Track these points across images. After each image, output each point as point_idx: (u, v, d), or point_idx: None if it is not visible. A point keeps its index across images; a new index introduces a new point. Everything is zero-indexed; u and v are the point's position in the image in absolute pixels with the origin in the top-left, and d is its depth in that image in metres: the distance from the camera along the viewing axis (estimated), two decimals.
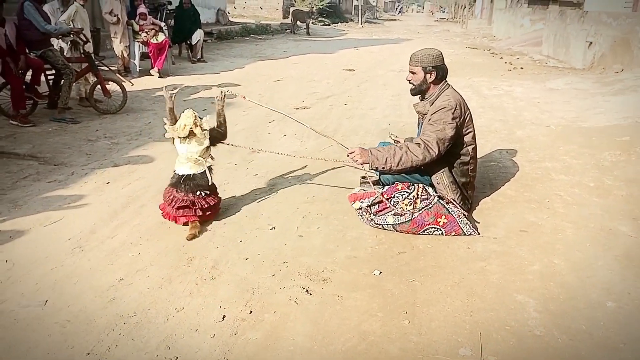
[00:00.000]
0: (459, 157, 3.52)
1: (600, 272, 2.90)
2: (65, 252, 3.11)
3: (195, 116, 3.43)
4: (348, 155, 3.42)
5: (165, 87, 3.69)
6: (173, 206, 3.41)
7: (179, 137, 3.43)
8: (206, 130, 3.50)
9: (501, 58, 13.99)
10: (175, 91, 3.59)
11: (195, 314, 2.53)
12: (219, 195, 3.65)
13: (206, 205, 3.45)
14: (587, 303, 2.63)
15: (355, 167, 3.50)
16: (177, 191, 3.42)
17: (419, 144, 3.33)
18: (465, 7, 42.10)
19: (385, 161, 3.31)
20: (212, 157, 3.62)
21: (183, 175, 3.44)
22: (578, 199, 3.89)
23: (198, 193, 3.43)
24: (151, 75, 9.30)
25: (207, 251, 3.15)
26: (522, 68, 11.82)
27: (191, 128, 3.39)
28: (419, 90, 3.59)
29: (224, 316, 2.51)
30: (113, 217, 3.60)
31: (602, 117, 6.24)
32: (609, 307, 2.58)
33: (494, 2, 34.84)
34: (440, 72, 3.48)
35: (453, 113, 3.36)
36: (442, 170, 3.48)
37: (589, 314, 2.53)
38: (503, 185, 4.20)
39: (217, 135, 3.64)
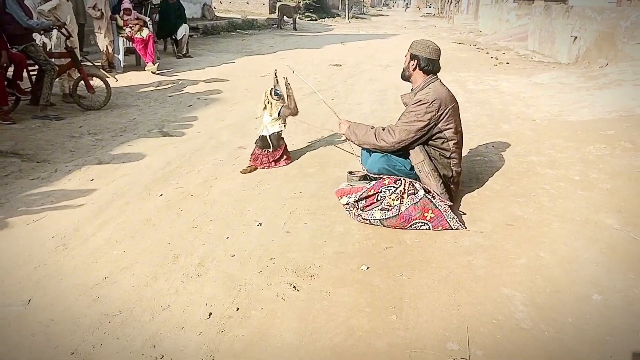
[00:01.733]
0: (440, 150, 3.54)
1: (586, 265, 2.92)
2: (49, 250, 3.07)
3: (270, 94, 4.52)
4: (338, 124, 3.92)
5: (275, 70, 4.80)
6: (252, 154, 4.59)
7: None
8: (278, 105, 4.51)
9: (487, 53, 14.04)
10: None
11: (181, 312, 2.50)
12: (284, 150, 4.67)
13: (265, 161, 4.54)
14: (574, 296, 2.64)
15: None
16: (256, 146, 4.57)
17: (386, 128, 3.54)
18: (451, 3, 42.22)
19: (356, 136, 3.66)
20: (284, 124, 4.61)
21: (259, 136, 4.57)
22: (563, 193, 3.91)
23: (264, 150, 4.51)
24: (146, 71, 9.12)
25: (193, 248, 3.12)
26: (507, 63, 11.87)
27: (265, 101, 4.52)
28: (404, 75, 3.70)
29: (210, 314, 2.49)
30: (97, 215, 3.55)
31: (587, 111, 6.29)
32: (595, 300, 2.59)
33: None
34: (421, 62, 3.51)
35: (427, 107, 3.39)
36: (423, 159, 3.50)
37: (575, 307, 2.55)
38: (489, 179, 4.21)
39: (286, 110, 4.54)
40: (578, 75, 8.87)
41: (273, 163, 4.57)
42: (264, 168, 4.53)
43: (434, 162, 3.53)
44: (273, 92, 4.53)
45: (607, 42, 10.19)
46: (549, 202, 3.77)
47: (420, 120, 3.41)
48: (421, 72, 3.55)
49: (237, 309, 2.53)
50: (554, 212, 3.60)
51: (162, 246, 3.14)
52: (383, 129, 3.54)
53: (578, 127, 5.59)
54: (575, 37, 11.66)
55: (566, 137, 5.23)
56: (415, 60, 3.53)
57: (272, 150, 4.54)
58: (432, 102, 3.39)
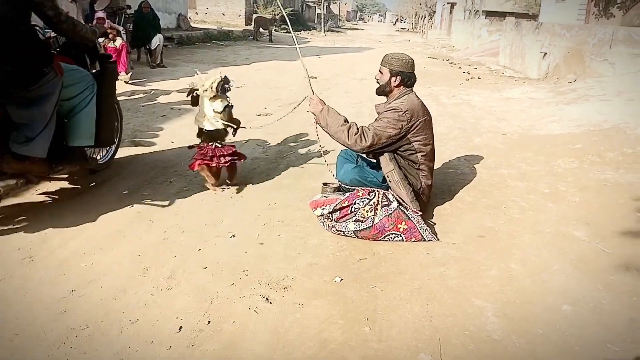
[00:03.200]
0: (408, 161, 3.57)
1: (556, 276, 2.97)
2: (14, 263, 2.97)
3: (217, 85, 4.00)
4: (309, 98, 3.69)
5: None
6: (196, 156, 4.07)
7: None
8: (223, 102, 4.09)
9: (460, 68, 14.30)
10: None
11: (150, 326, 2.45)
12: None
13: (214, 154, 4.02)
14: (544, 307, 2.67)
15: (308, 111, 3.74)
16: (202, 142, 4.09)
17: (359, 129, 3.45)
18: (425, 18, 42.94)
19: (327, 125, 3.54)
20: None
21: (205, 130, 4.05)
22: (533, 205, 3.98)
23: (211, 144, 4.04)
24: (119, 80, 9.04)
25: (164, 260, 3.06)
26: (479, 78, 12.10)
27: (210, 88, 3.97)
28: (383, 91, 3.66)
29: (181, 327, 2.44)
30: (66, 226, 3.46)
31: (556, 125, 6.43)
32: (565, 311, 2.63)
33: (453, 13, 35.79)
34: (405, 78, 3.54)
35: (400, 116, 3.42)
36: (392, 168, 3.52)
37: (546, 317, 2.58)
38: (461, 191, 4.26)
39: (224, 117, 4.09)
40: (547, 91, 9.08)
41: (227, 158, 4.06)
42: (215, 166, 4.04)
43: (404, 171, 3.55)
44: (220, 85, 4.03)
45: (576, 58, 10.48)
46: (519, 214, 3.83)
47: (392, 128, 3.42)
48: (404, 86, 3.58)
49: (209, 322, 2.49)
50: (525, 224, 3.66)
51: (132, 258, 3.08)
52: (357, 129, 3.46)
53: (547, 141, 5.71)
54: (545, 53, 11.97)
55: (536, 151, 5.33)
56: (400, 77, 3.53)
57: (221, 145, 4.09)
58: (405, 112, 3.42)
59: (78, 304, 2.60)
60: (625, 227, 3.53)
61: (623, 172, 4.54)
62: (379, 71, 3.63)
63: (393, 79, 3.55)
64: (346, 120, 3.53)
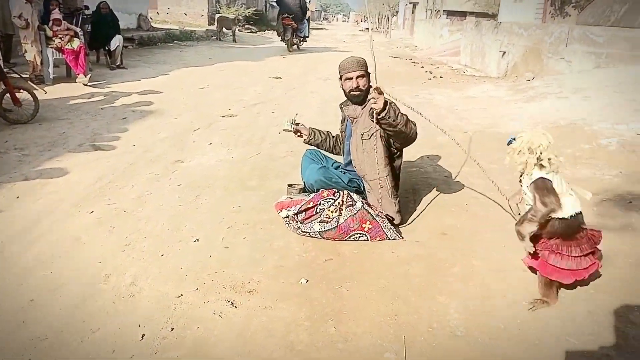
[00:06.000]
0: (397, 166, 3.63)
1: (516, 272, 3.03)
2: None
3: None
4: (375, 90, 3.25)
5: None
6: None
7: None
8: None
9: (422, 67, 14.46)
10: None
11: (112, 335, 2.39)
12: None
13: None
14: (505, 302, 2.73)
15: (373, 109, 3.26)
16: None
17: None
18: (388, 18, 43.31)
19: (397, 117, 3.30)
20: None
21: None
22: (494, 202, 4.06)
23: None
24: (77, 83, 8.83)
25: (126, 267, 3.00)
26: (441, 77, 12.26)
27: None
28: (365, 96, 3.51)
29: (144, 335, 2.39)
30: (23, 234, 3.36)
31: (515, 123, 6.59)
32: (525, 306, 2.69)
33: (415, 13, 36.20)
34: None
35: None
36: (386, 174, 3.46)
37: (507, 312, 2.64)
38: (424, 190, 4.32)
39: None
40: (507, 89, 9.29)
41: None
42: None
43: (395, 179, 3.56)
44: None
45: (534, 56, 10.74)
46: (481, 211, 3.91)
47: None
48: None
49: (172, 329, 2.45)
50: (486, 221, 3.73)
51: (93, 266, 3.00)
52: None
53: (507, 138, 5.83)
54: (504, 52, 12.22)
55: (496, 149, 5.43)
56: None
57: None
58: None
59: (37, 315, 2.53)
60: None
61: (580, 168, 4.68)
62: (360, 79, 3.51)
63: (371, 81, 3.55)
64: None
